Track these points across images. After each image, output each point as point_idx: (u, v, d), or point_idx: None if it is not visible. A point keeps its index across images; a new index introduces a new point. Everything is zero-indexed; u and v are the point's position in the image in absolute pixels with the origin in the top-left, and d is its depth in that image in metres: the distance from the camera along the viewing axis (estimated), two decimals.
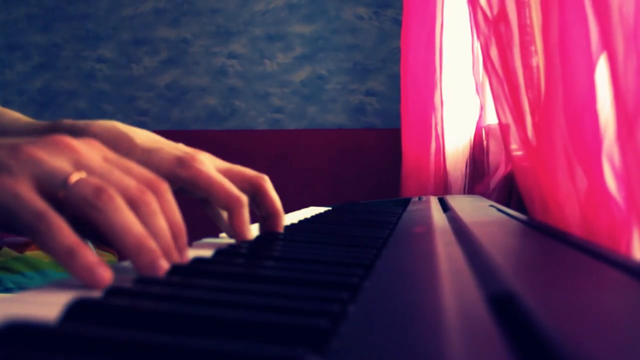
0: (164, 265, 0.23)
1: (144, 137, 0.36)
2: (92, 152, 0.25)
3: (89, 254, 0.21)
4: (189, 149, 0.36)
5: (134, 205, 0.24)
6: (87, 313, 0.17)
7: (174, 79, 1.62)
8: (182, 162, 0.33)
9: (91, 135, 0.33)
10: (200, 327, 0.16)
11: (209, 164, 0.35)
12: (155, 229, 0.24)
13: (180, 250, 0.26)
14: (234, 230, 0.34)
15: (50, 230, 0.21)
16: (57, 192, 0.22)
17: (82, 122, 0.48)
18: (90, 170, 0.23)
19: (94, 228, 0.22)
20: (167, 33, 1.62)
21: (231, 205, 0.33)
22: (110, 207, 0.22)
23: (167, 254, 0.24)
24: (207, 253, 0.28)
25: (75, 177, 0.22)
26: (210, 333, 0.16)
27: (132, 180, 0.24)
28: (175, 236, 0.25)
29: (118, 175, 0.24)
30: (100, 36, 1.65)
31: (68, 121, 0.51)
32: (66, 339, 0.14)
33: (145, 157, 0.33)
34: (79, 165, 0.23)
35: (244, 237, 0.34)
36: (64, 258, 0.21)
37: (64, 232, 0.21)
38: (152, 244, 0.23)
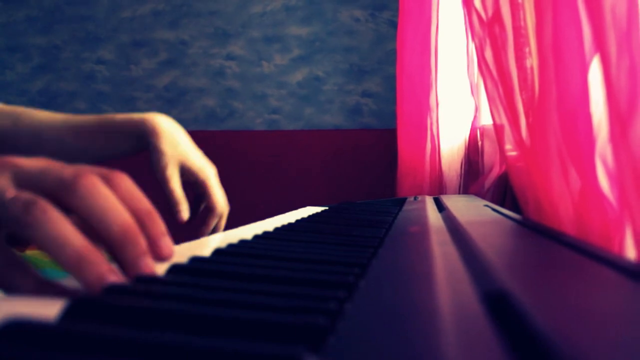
0: (114, 278, 0.20)
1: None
2: (33, 163, 0.23)
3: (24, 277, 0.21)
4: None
5: (71, 193, 0.21)
6: (86, 311, 0.17)
7: (172, 80, 1.62)
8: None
9: None
10: (199, 325, 0.16)
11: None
12: (106, 212, 0.21)
13: (155, 239, 0.23)
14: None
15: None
16: (45, 189, 0.21)
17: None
18: (28, 183, 0.22)
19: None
20: (166, 35, 1.61)
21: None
22: (41, 221, 0.20)
23: (131, 244, 0.22)
24: (206, 252, 0.28)
25: (8, 195, 0.21)
26: (209, 332, 0.16)
27: (68, 170, 0.22)
28: (144, 224, 0.23)
29: (54, 173, 0.22)
30: (99, 38, 1.65)
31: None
32: (65, 337, 0.14)
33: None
34: (18, 181, 0.22)
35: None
36: None
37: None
38: (95, 256, 0.20)
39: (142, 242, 0.22)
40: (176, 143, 0.54)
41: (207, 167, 0.57)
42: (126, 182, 0.23)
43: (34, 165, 0.22)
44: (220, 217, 0.58)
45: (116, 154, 0.56)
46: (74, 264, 0.20)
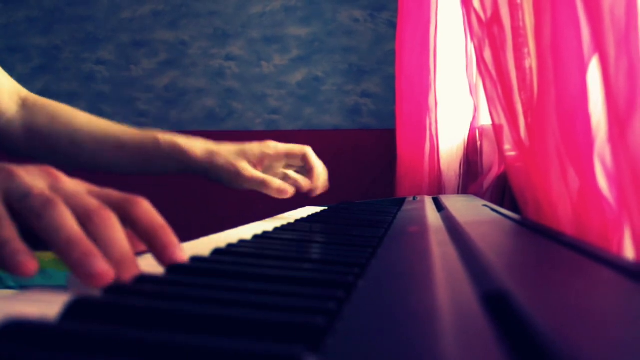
0: (100, 264, 0.21)
1: None
2: (72, 182, 0.25)
3: (23, 253, 0.22)
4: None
5: (87, 219, 0.23)
6: (86, 311, 0.17)
7: (172, 80, 1.62)
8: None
9: None
10: (198, 325, 0.16)
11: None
12: (108, 239, 0.23)
13: (168, 246, 0.25)
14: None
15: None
16: (14, 204, 0.23)
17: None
18: (62, 194, 0.24)
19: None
20: (166, 35, 1.61)
21: None
22: (51, 214, 0.22)
23: (120, 264, 0.23)
24: (205, 252, 0.28)
25: (36, 191, 0.23)
26: (208, 331, 0.16)
27: (96, 201, 0.24)
28: (156, 236, 0.25)
29: (83, 197, 0.24)
30: (99, 38, 1.65)
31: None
32: (65, 336, 0.14)
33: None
34: (53, 189, 0.24)
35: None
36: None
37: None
38: (85, 242, 0.22)
39: (88, 244, 0.23)
40: (230, 151, 0.59)
41: (267, 145, 0.60)
42: (144, 205, 0.25)
43: (72, 186, 0.25)
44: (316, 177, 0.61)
45: (154, 172, 0.59)
46: (63, 247, 0.22)
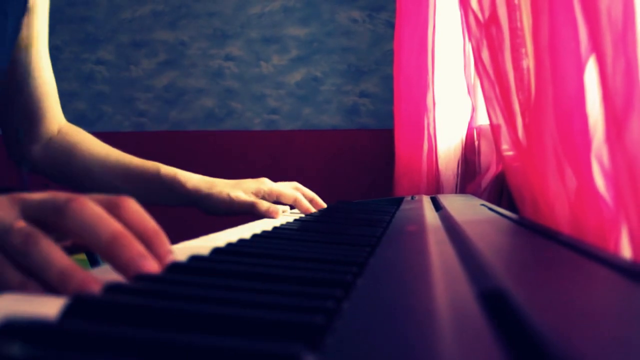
0: (94, 286, 0.22)
1: None
2: (37, 196, 0.25)
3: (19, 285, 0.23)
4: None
5: (62, 216, 0.24)
6: (86, 310, 0.17)
7: (171, 80, 1.62)
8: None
9: None
10: (198, 324, 0.16)
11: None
12: (93, 226, 0.23)
13: (163, 256, 0.25)
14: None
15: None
16: (44, 217, 0.24)
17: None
18: (31, 214, 0.24)
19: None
20: (165, 36, 1.61)
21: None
22: (33, 249, 0.23)
23: (122, 246, 0.23)
24: (205, 251, 0.28)
25: (16, 225, 0.23)
26: (207, 330, 0.16)
27: (62, 197, 0.25)
28: (151, 243, 0.25)
29: (50, 202, 0.25)
30: (99, 39, 1.65)
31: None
32: (65, 335, 0.14)
33: None
34: (25, 212, 0.24)
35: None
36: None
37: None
38: (76, 270, 0.23)
39: (137, 245, 0.24)
40: (227, 183, 0.64)
41: (262, 182, 0.65)
42: (132, 205, 0.25)
43: (37, 197, 0.25)
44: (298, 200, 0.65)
45: (155, 202, 0.63)
46: (58, 281, 0.22)
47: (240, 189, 0.63)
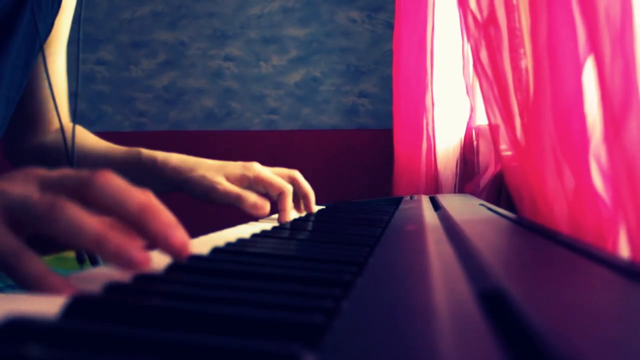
0: (137, 253, 0.22)
1: None
2: (54, 172, 0.25)
3: (55, 279, 0.22)
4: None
5: (89, 188, 0.23)
6: (86, 309, 0.17)
7: (171, 80, 1.62)
8: None
9: None
10: (197, 323, 0.16)
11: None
12: (122, 196, 0.23)
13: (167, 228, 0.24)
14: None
15: (21, 266, 0.22)
16: (17, 217, 0.23)
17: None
18: (51, 187, 0.24)
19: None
20: (165, 36, 1.61)
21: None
22: (62, 215, 0.22)
23: (153, 217, 0.23)
24: (204, 250, 0.28)
25: (35, 197, 0.23)
26: (207, 329, 0.16)
27: (83, 172, 0.24)
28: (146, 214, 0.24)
29: (73, 176, 0.24)
30: (99, 39, 1.65)
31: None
32: (65, 334, 0.14)
33: None
34: (43, 187, 0.24)
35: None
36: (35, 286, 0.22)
37: (33, 264, 0.22)
38: (113, 233, 0.22)
39: (166, 215, 0.24)
40: (210, 166, 0.57)
41: (249, 167, 0.57)
42: (107, 180, 0.24)
43: (55, 173, 0.25)
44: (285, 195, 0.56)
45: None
46: (94, 244, 0.22)
47: (222, 174, 0.55)
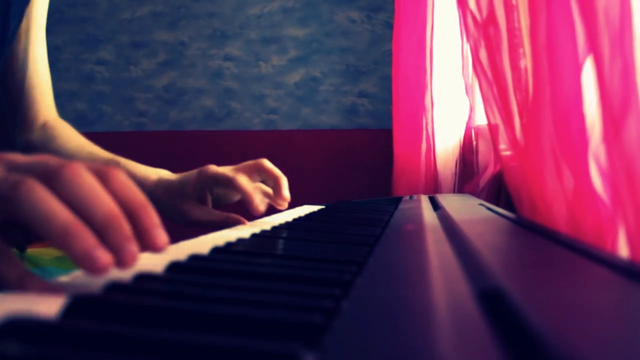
0: (102, 256, 0.20)
1: None
2: (25, 157, 0.23)
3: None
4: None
5: (57, 179, 0.21)
6: (86, 309, 0.17)
7: (171, 80, 1.62)
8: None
9: None
10: (197, 322, 0.16)
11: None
12: (90, 199, 0.21)
13: (149, 230, 0.23)
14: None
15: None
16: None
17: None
18: (18, 171, 0.22)
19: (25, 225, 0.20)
20: (165, 36, 1.62)
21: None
22: (29, 197, 0.20)
23: (114, 229, 0.21)
24: (204, 250, 0.29)
25: None
26: (207, 328, 0.16)
27: (55, 160, 0.22)
28: (137, 216, 0.23)
29: (42, 163, 0.22)
30: (99, 39, 1.65)
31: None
32: (65, 333, 0.14)
33: None
34: (9, 170, 0.22)
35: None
36: None
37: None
38: (82, 229, 0.20)
39: (126, 229, 0.22)
40: (168, 184, 0.56)
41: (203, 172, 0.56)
42: (120, 176, 0.23)
43: (25, 158, 0.23)
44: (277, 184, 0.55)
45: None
46: (60, 237, 0.20)
47: (181, 195, 0.55)
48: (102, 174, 0.23)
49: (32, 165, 0.22)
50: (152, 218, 0.23)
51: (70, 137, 0.63)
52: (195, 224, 0.55)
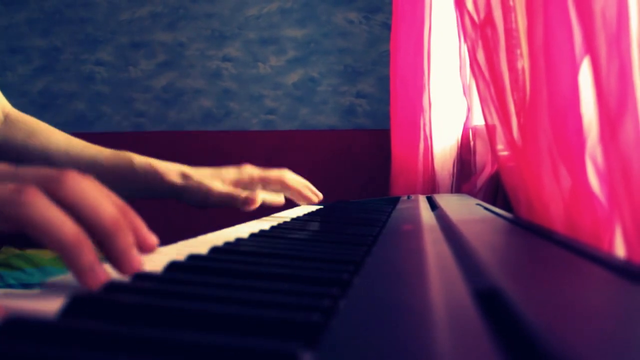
0: (101, 271, 0.20)
1: None
2: (19, 168, 0.23)
3: None
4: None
5: (60, 185, 0.21)
6: (85, 308, 0.17)
7: (170, 81, 1.62)
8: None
9: None
10: (196, 322, 0.16)
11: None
12: (97, 205, 0.21)
13: (139, 231, 0.23)
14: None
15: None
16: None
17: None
18: (15, 179, 0.21)
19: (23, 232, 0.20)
20: (164, 37, 1.61)
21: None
22: (32, 202, 0.20)
23: (122, 235, 0.22)
24: (203, 250, 0.29)
25: None
26: (205, 328, 0.16)
27: (47, 171, 0.22)
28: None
29: (41, 170, 0.22)
30: (98, 40, 1.65)
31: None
32: (65, 333, 0.14)
33: None
34: (4, 179, 0.21)
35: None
36: None
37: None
38: (87, 245, 0.20)
39: (130, 235, 0.22)
40: (205, 174, 0.58)
41: (242, 171, 0.60)
42: (96, 183, 0.23)
43: (15, 168, 0.23)
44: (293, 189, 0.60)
45: (128, 195, 0.55)
46: (63, 250, 0.20)
47: (218, 179, 0.58)
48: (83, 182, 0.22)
49: (29, 172, 0.22)
50: (138, 220, 0.24)
51: (51, 132, 0.60)
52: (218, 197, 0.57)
